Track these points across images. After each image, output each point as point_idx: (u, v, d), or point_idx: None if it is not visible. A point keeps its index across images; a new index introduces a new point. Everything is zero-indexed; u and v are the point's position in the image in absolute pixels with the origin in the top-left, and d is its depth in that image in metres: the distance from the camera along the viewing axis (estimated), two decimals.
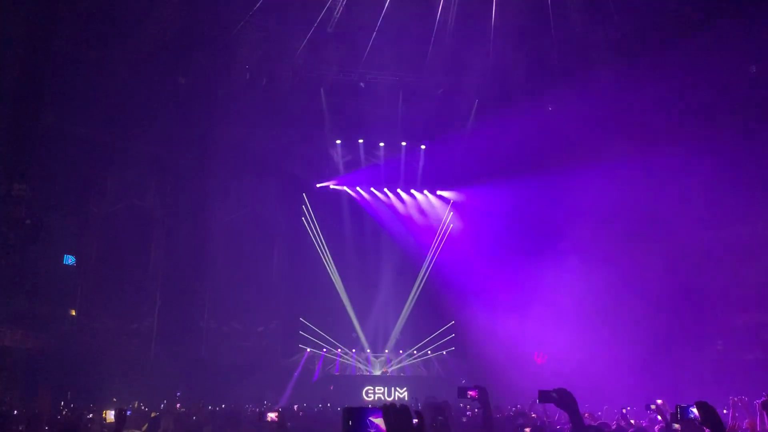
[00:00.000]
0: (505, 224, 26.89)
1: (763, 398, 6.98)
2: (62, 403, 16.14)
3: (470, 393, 5.41)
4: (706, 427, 3.84)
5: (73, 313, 24.74)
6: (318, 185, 28.63)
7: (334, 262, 27.65)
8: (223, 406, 17.69)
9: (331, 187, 28.72)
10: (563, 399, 4.04)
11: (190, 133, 24.62)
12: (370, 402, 23.07)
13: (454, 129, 27.19)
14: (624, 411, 11.79)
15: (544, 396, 4.17)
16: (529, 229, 26.21)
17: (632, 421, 10.40)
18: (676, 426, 6.33)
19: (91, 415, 9.91)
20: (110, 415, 7.99)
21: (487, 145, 25.82)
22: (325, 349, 26.39)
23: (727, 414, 8.30)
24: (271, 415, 5.43)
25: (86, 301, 24.67)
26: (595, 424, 8.14)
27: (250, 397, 22.12)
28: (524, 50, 24.46)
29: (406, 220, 29.02)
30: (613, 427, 8.53)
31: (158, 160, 26.13)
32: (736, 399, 7.99)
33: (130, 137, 24.46)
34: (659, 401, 11.23)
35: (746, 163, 20.84)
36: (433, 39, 23.31)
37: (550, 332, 26.06)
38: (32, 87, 18.16)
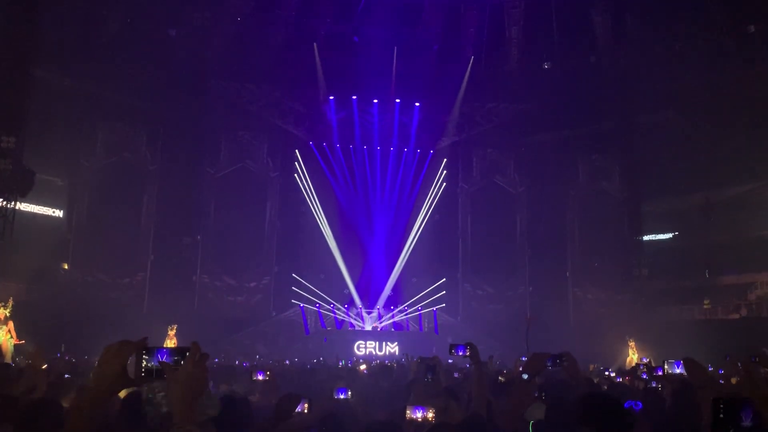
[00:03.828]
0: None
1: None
2: (58, 355, 16.26)
3: (461, 350, 5.46)
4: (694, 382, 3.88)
5: (66, 267, 24.75)
6: (311, 142, 28.41)
7: (326, 219, 27.63)
8: (216, 360, 17.86)
9: (324, 143, 28.48)
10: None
11: (182, 87, 24.21)
12: (361, 356, 23.34)
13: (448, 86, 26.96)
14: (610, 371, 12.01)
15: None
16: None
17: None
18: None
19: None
20: None
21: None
22: (318, 305, 26.59)
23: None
24: (261, 376, 5.38)
25: (78, 254, 24.66)
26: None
27: (243, 352, 22.37)
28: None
29: (398, 177, 28.91)
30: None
31: (150, 114, 25.79)
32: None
33: (121, 90, 24.06)
34: (645, 359, 11.47)
35: None
36: None
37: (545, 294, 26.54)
38: (22, 39, 17.73)
